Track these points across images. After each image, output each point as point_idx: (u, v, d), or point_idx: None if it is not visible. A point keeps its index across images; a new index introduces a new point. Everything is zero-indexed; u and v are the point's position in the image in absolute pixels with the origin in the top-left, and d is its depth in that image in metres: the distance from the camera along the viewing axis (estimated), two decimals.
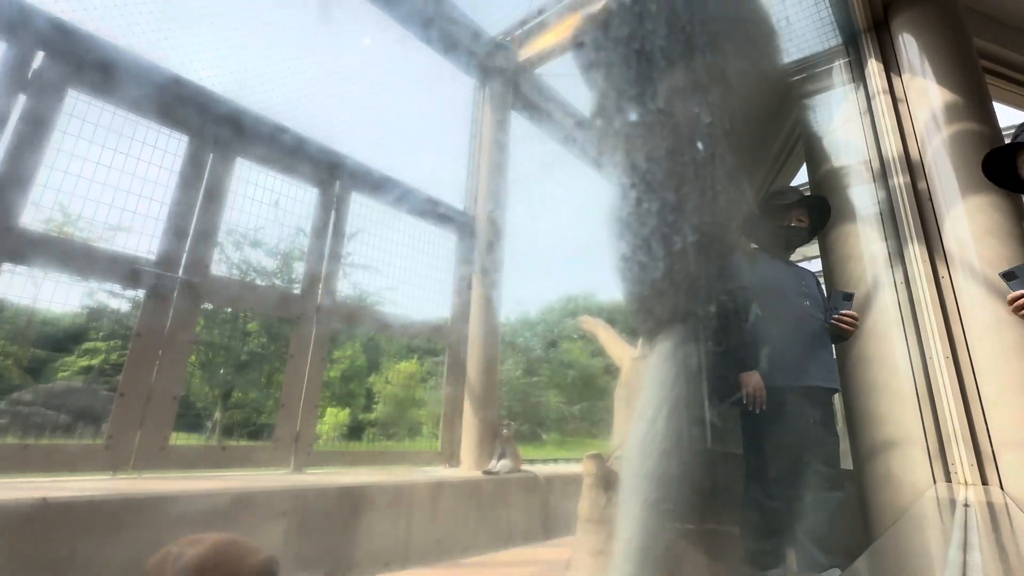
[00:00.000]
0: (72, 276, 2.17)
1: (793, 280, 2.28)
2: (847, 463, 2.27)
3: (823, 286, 2.52)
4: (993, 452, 1.83)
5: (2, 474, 1.89)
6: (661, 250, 1.60)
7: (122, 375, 2.21)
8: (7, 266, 1.97)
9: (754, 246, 2.47)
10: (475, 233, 3.98)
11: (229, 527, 1.99)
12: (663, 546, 1.61)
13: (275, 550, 2.09)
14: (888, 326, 2.23)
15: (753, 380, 2.01)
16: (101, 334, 2.41)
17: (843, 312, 2.14)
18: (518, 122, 4.51)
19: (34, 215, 2.10)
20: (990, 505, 1.22)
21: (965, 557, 0.61)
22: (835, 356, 2.33)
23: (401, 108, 3.81)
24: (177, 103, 2.51)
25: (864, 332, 2.27)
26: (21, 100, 2.08)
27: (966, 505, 1.13)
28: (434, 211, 3.79)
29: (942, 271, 2.16)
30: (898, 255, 2.30)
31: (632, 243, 1.64)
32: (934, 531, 0.90)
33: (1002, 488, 1.75)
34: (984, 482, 1.80)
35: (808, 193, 2.64)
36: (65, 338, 2.41)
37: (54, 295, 2.15)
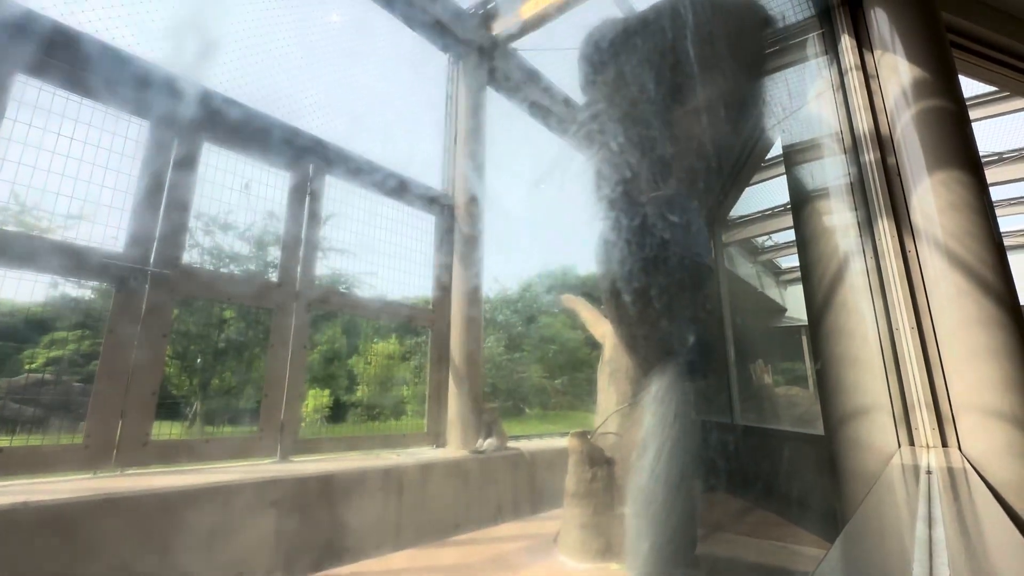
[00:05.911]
0: (35, 269, 2.08)
1: None
2: (819, 429, 2.38)
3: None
4: (953, 416, 1.94)
5: None
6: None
7: (97, 371, 2.15)
8: None
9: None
10: (454, 212, 3.94)
11: (221, 521, 1.99)
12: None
13: (268, 540, 2.11)
14: (858, 299, 2.32)
15: None
16: (68, 324, 2.33)
17: None
18: (494, 98, 4.43)
19: None
20: (950, 471, 1.31)
21: (931, 533, 0.66)
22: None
23: (373, 87, 3.69)
24: (135, 86, 2.38)
25: (835, 305, 2.35)
26: None
27: (928, 472, 1.21)
28: (411, 192, 3.73)
29: (909, 245, 2.23)
30: (868, 230, 2.37)
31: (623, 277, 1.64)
32: (903, 505, 0.96)
33: (960, 449, 1.86)
34: (944, 444, 1.92)
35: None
36: (30, 330, 2.33)
37: (17, 288, 2.07)
